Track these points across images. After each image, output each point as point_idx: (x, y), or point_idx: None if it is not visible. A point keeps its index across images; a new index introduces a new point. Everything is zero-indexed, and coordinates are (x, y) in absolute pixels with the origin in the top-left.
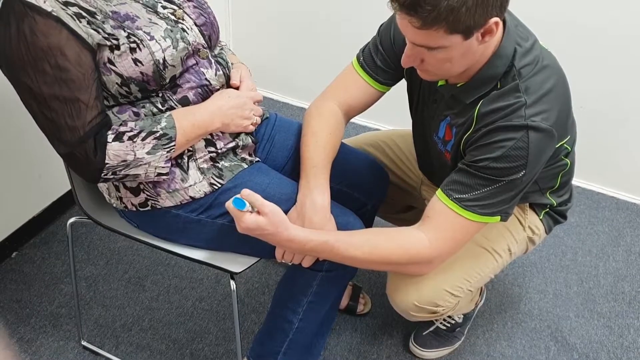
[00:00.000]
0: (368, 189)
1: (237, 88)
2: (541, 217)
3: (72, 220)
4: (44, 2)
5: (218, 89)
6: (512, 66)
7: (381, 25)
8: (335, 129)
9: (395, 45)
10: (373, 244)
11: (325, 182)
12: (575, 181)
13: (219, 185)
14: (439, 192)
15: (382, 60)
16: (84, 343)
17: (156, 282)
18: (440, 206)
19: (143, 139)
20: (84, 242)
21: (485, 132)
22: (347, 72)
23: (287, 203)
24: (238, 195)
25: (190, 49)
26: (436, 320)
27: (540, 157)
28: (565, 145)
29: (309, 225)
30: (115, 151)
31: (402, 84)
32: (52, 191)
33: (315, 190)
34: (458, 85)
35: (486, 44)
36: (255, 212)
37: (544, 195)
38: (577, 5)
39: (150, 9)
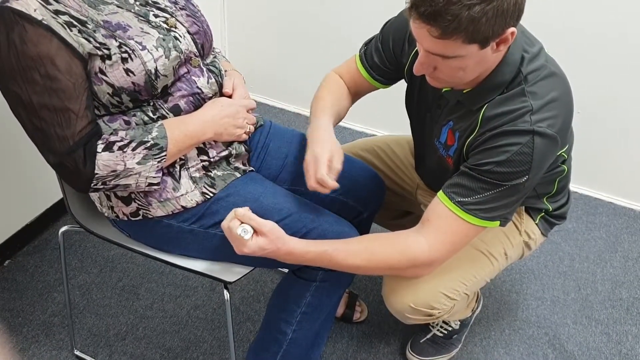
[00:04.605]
0: (364, 198)
1: (229, 96)
2: (537, 222)
3: (64, 228)
4: (35, 10)
5: (210, 97)
6: (519, 72)
7: (387, 22)
8: (339, 98)
9: (393, 46)
10: (371, 250)
11: (328, 118)
12: (572, 186)
13: (211, 195)
14: (440, 194)
15: (380, 59)
16: (77, 352)
17: (150, 290)
18: (442, 209)
19: (133, 149)
20: (77, 250)
21: (490, 136)
22: (350, 60)
23: (280, 213)
24: (237, 220)
25: (182, 57)
26: (433, 327)
27: (544, 164)
28: (563, 153)
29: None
30: (104, 161)
31: (399, 89)
32: (45, 199)
33: (317, 122)
34: (464, 92)
35: (499, 52)
36: (253, 234)
37: (540, 200)
38: (576, 10)
39: (142, 18)
